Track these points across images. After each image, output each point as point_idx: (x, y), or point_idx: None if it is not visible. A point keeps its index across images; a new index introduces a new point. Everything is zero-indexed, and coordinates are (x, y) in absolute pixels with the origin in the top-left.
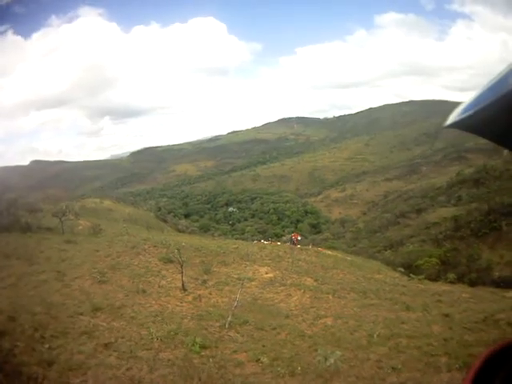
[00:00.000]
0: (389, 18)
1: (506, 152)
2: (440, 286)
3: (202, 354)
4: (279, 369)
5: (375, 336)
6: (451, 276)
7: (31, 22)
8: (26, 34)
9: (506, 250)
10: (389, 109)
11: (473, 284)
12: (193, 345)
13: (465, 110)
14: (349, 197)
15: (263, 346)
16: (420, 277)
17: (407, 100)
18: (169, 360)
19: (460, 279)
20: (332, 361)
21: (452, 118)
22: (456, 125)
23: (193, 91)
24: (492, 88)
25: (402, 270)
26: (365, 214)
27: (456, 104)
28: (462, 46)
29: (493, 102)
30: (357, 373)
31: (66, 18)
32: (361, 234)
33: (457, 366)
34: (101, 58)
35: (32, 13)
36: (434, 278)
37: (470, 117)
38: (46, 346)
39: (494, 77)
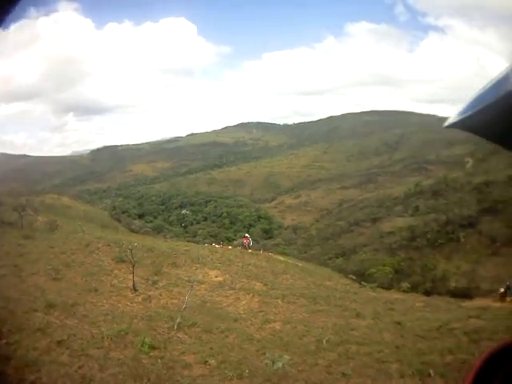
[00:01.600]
0: (360, 27)
1: (468, 165)
2: (392, 295)
3: (151, 354)
4: (227, 371)
5: (324, 342)
6: (405, 285)
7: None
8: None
9: (464, 260)
10: (350, 118)
11: (428, 293)
12: (142, 345)
13: (465, 111)
14: (303, 204)
15: (211, 349)
16: (372, 285)
17: (369, 110)
18: (119, 359)
19: (414, 288)
20: (280, 365)
21: (452, 118)
22: (456, 125)
23: (158, 91)
24: (492, 88)
25: (354, 277)
26: (318, 221)
27: (421, 116)
28: (433, 58)
29: (493, 103)
30: (306, 377)
31: (45, 10)
32: (313, 240)
33: (410, 372)
34: (73, 53)
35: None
36: (387, 287)
37: (469, 117)
38: (4, 341)
39: (494, 77)
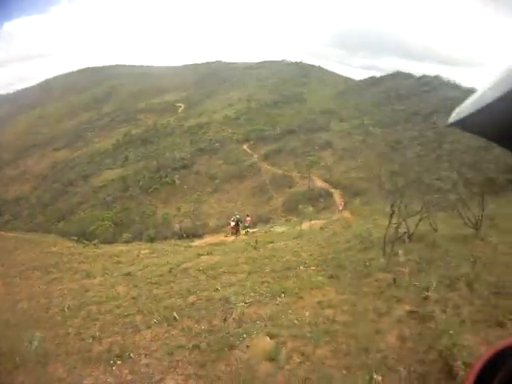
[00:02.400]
0: None
1: (180, 110)
2: (116, 248)
3: None
4: (3, 365)
5: (66, 309)
6: (126, 235)
7: None
8: None
9: (182, 202)
10: (64, 78)
11: (152, 240)
12: None
13: (465, 110)
14: (22, 173)
15: None
16: (95, 241)
17: (83, 68)
18: None
19: (137, 237)
20: (36, 343)
21: (453, 117)
22: (456, 124)
23: None
24: (492, 88)
25: (76, 238)
26: (36, 188)
27: (132, 67)
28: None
29: (493, 102)
30: (65, 349)
31: None
32: (35, 209)
33: (154, 321)
34: None
35: None
36: (111, 241)
37: (470, 117)
38: None
39: (494, 77)
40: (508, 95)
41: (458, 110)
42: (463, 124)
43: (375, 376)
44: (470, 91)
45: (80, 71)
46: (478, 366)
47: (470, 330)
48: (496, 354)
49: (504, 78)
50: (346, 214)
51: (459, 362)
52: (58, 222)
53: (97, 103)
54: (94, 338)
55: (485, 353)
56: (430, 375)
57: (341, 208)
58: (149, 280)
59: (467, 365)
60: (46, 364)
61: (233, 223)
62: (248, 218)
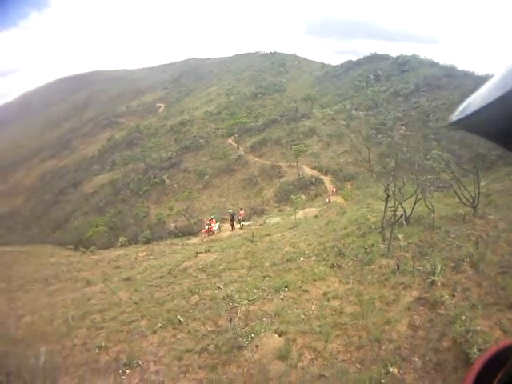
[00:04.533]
0: None
1: (161, 109)
2: (114, 252)
3: None
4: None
5: (70, 320)
6: (122, 239)
7: None
8: None
9: (174, 201)
10: (46, 89)
11: (149, 241)
12: None
13: (465, 110)
14: (12, 187)
15: None
16: (92, 248)
17: (59, 78)
18: None
19: (133, 240)
20: (43, 359)
21: (452, 117)
22: (456, 124)
23: None
24: (492, 88)
25: (73, 246)
26: (28, 201)
27: (115, 72)
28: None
29: (493, 102)
30: (72, 361)
31: None
32: (29, 221)
33: (159, 325)
34: None
35: None
36: (107, 246)
37: (470, 117)
38: None
39: (493, 77)
40: (508, 95)
41: (458, 109)
42: (463, 124)
43: (391, 369)
44: (448, 68)
45: (56, 82)
46: (477, 365)
47: (481, 314)
48: (496, 354)
49: (503, 78)
50: (339, 199)
51: (475, 349)
52: (54, 231)
53: (77, 111)
54: (100, 347)
55: (484, 353)
56: (447, 364)
57: (332, 194)
58: (149, 283)
59: (482, 351)
60: (54, 379)
61: (217, 223)
62: (241, 212)
